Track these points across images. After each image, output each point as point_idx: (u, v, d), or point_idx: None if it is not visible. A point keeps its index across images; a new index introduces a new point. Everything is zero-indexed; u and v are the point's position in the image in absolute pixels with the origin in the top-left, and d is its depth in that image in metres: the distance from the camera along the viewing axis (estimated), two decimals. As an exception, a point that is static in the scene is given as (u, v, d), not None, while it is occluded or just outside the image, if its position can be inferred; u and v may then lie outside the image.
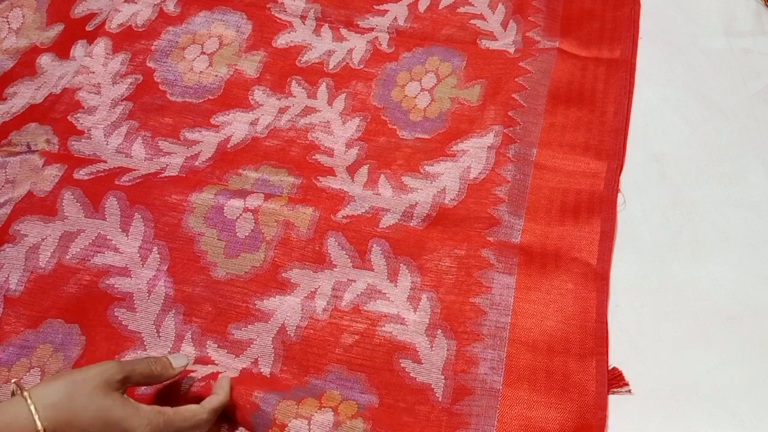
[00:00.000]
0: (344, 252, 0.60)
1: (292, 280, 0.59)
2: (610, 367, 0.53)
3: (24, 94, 0.70)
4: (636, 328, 0.55)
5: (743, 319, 0.55)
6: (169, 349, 0.56)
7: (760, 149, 0.65)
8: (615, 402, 0.52)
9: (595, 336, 0.55)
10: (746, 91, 0.68)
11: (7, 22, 0.75)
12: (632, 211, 0.61)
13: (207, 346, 0.56)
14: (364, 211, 0.62)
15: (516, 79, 0.69)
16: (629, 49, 0.71)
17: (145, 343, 0.56)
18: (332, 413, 0.52)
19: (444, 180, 0.63)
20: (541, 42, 0.72)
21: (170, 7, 0.75)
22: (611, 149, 0.65)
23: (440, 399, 0.53)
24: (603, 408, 0.51)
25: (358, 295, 0.58)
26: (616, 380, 0.53)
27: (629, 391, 0.52)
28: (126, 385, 0.45)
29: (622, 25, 0.73)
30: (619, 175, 0.63)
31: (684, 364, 0.53)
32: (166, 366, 0.49)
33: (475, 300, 0.57)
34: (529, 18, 0.73)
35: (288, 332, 0.56)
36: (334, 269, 0.59)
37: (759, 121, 0.66)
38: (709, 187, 0.63)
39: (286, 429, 0.51)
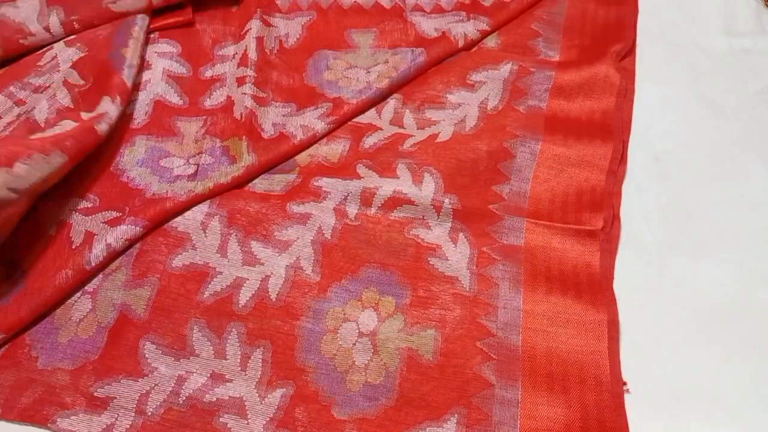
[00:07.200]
0: (371, 170, 0.63)
1: (323, 189, 0.62)
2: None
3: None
4: (636, 328, 0.55)
5: (743, 319, 0.55)
6: (216, 249, 0.59)
7: (760, 149, 0.65)
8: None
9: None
10: (746, 91, 0.68)
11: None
12: (632, 211, 0.61)
13: (251, 245, 0.60)
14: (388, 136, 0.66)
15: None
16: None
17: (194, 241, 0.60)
18: (374, 312, 0.57)
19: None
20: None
21: None
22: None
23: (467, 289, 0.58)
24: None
25: (385, 200, 0.61)
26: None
27: (627, 390, 0.52)
28: None
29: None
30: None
31: (684, 364, 0.53)
32: None
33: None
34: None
35: (324, 234, 0.60)
36: (362, 179, 0.63)
37: (759, 121, 0.66)
38: (709, 187, 0.63)
39: (338, 333, 0.56)
